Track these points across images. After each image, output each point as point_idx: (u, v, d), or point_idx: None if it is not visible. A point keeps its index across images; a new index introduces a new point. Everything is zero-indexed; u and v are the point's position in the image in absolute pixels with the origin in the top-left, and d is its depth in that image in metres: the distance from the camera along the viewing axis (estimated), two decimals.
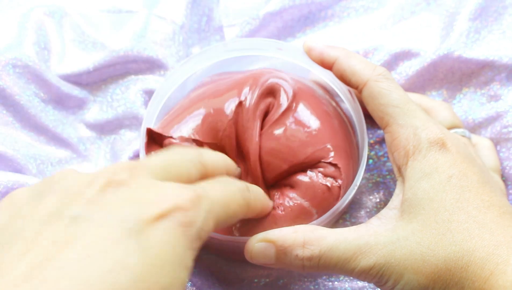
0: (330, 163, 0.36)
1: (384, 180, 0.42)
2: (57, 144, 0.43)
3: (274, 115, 0.37)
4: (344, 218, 0.41)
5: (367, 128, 0.39)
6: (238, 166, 0.36)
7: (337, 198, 0.36)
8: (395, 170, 0.35)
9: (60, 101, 0.44)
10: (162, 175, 0.27)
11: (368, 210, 0.41)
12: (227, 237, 0.35)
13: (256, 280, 0.39)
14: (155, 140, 0.37)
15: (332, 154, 0.36)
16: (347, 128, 0.39)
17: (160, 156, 0.28)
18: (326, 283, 0.39)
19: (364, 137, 0.38)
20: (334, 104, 0.40)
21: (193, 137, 0.37)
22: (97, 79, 0.45)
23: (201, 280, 0.38)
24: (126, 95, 0.44)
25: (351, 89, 0.39)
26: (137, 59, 0.44)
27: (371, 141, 0.43)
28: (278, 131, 0.36)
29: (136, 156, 0.42)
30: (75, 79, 0.45)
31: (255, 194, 0.32)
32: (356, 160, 0.39)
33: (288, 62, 0.40)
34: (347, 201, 0.36)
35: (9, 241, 0.23)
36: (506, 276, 0.28)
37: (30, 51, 0.43)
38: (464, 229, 0.30)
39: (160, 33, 0.45)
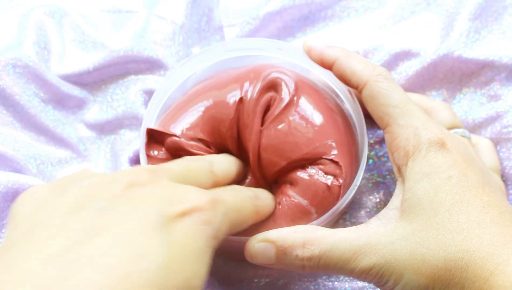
0: (331, 161, 0.35)
1: (384, 180, 0.42)
2: (57, 144, 0.43)
3: (275, 110, 0.36)
4: (344, 218, 0.41)
5: (367, 128, 0.39)
6: (244, 167, 0.37)
7: (337, 198, 0.35)
8: (395, 170, 0.35)
9: (60, 101, 0.44)
10: (179, 180, 0.28)
11: (368, 210, 0.41)
12: (227, 237, 0.34)
13: (256, 280, 0.39)
14: (155, 140, 0.37)
15: (334, 150, 0.36)
16: (350, 125, 0.39)
17: (178, 163, 0.31)
18: (326, 283, 0.39)
19: (364, 137, 0.37)
20: (338, 101, 0.40)
21: (199, 136, 0.37)
22: (97, 79, 0.45)
23: None
24: (126, 95, 0.44)
25: (351, 89, 0.39)
26: (137, 59, 0.44)
27: (371, 141, 0.43)
28: (279, 127, 0.36)
29: (136, 156, 0.42)
30: (75, 79, 0.45)
31: (264, 201, 0.34)
32: (358, 159, 0.39)
33: (288, 62, 0.40)
34: (347, 201, 0.36)
35: (37, 227, 0.24)
36: (506, 276, 0.28)
37: (30, 51, 0.43)
38: (464, 229, 0.30)
39: (160, 33, 0.45)
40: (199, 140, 0.37)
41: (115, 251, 0.22)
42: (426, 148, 0.33)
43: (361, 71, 0.35)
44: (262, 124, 0.36)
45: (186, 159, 0.32)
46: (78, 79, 0.45)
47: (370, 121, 0.39)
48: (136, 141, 0.43)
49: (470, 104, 0.44)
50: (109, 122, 0.44)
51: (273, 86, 0.37)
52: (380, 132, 0.43)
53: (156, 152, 0.37)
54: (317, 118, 0.36)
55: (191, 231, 0.25)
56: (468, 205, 0.31)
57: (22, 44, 0.43)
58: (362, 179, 0.39)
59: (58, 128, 0.43)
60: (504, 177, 0.41)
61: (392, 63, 0.45)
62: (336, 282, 0.39)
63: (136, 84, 0.44)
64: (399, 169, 0.34)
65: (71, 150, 0.43)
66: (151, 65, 0.45)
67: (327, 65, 0.37)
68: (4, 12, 0.46)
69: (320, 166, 0.36)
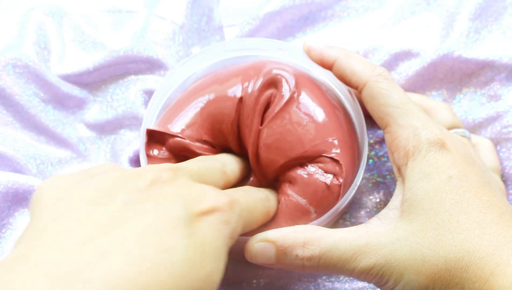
0: (331, 159, 0.35)
1: (384, 180, 0.42)
2: (57, 144, 0.43)
3: (275, 108, 0.36)
4: (344, 218, 0.41)
5: (367, 128, 0.39)
6: (247, 167, 0.37)
7: (337, 197, 0.35)
8: (395, 170, 0.34)
9: (60, 101, 0.44)
10: (197, 179, 0.29)
11: (368, 210, 0.41)
12: None
13: (256, 281, 0.39)
14: (155, 140, 0.37)
15: (335, 149, 0.35)
16: (352, 123, 0.39)
17: (195, 162, 0.32)
18: (326, 283, 0.39)
19: (364, 137, 0.37)
20: (342, 97, 0.40)
21: (204, 138, 0.37)
22: (97, 79, 0.45)
23: None
24: (126, 95, 0.44)
25: (351, 89, 0.39)
26: (137, 59, 0.44)
27: (371, 141, 0.43)
28: (278, 125, 0.36)
29: (136, 156, 0.42)
30: (75, 79, 0.45)
31: (273, 203, 0.35)
32: (359, 158, 0.38)
33: (288, 62, 0.40)
34: (347, 201, 0.36)
35: (62, 216, 0.24)
36: (506, 277, 0.28)
37: (30, 51, 0.43)
38: (464, 230, 0.30)
39: (160, 33, 0.45)
40: (204, 141, 0.37)
41: (140, 243, 0.23)
42: (426, 148, 0.33)
43: (361, 71, 0.35)
44: (262, 122, 0.36)
45: (200, 159, 0.33)
46: (78, 79, 0.45)
47: (370, 121, 0.39)
48: (136, 141, 0.43)
49: (470, 104, 0.44)
50: (109, 122, 0.44)
51: (273, 83, 0.37)
52: (380, 132, 0.43)
53: (156, 152, 0.37)
54: (319, 114, 0.36)
55: (211, 230, 0.26)
56: (468, 205, 0.31)
57: (22, 44, 0.43)
58: (362, 179, 0.39)
59: (58, 128, 0.43)
60: (504, 177, 0.41)
61: (392, 63, 0.44)
62: (336, 282, 0.39)
63: (136, 84, 0.44)
64: (399, 169, 0.34)
65: (71, 150, 0.43)
66: (151, 65, 0.45)
67: (327, 65, 0.37)
68: (4, 12, 0.46)
69: (320, 164, 0.35)
